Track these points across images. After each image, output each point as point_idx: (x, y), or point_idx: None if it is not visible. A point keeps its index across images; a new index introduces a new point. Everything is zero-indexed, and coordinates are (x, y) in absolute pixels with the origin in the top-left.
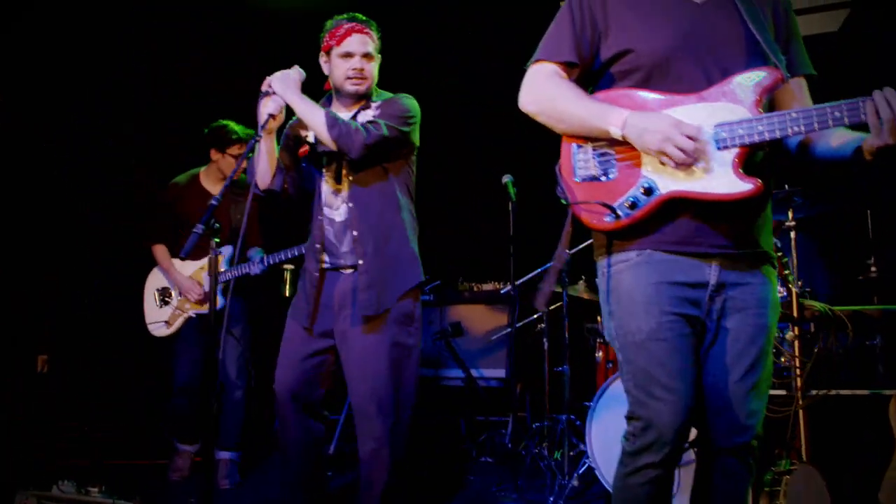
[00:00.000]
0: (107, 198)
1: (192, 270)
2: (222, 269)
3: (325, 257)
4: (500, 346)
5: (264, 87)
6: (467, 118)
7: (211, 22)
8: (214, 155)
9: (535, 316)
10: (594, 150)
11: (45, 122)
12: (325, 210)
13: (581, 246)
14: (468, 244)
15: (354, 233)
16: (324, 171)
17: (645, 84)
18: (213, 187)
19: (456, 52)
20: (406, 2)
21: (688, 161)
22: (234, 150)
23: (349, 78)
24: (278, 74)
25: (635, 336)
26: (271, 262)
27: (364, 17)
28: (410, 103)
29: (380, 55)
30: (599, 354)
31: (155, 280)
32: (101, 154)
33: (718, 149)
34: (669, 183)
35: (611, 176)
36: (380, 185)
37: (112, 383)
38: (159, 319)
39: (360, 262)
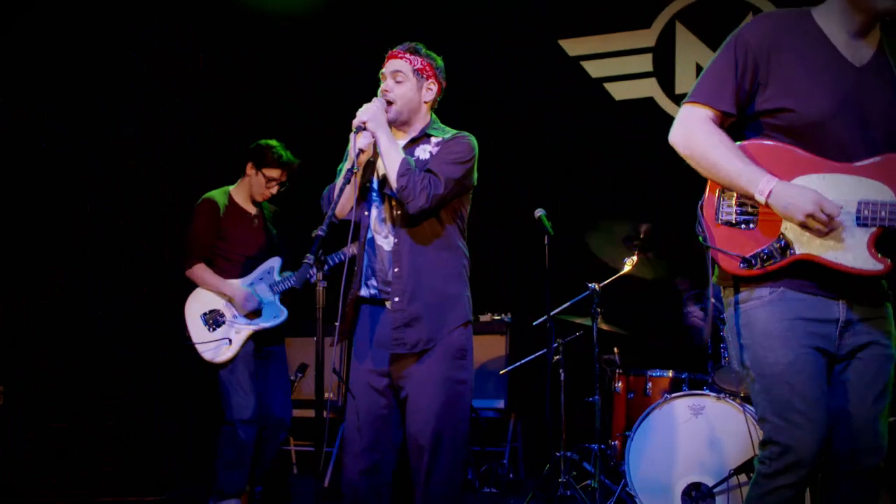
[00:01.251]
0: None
1: (242, 286)
2: (277, 279)
3: (373, 282)
4: (495, 377)
5: (357, 123)
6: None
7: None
8: (250, 170)
9: (545, 350)
10: (738, 200)
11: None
12: (376, 236)
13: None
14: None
15: (396, 269)
16: (375, 194)
17: (797, 142)
18: (246, 204)
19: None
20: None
21: (825, 233)
22: (271, 172)
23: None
24: (371, 109)
25: (773, 368)
26: (331, 263)
27: (412, 44)
28: (470, 143)
29: (427, 81)
30: (619, 385)
31: (199, 303)
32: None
33: (857, 224)
34: (805, 246)
35: (751, 226)
36: (429, 222)
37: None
38: (219, 344)
39: (397, 299)
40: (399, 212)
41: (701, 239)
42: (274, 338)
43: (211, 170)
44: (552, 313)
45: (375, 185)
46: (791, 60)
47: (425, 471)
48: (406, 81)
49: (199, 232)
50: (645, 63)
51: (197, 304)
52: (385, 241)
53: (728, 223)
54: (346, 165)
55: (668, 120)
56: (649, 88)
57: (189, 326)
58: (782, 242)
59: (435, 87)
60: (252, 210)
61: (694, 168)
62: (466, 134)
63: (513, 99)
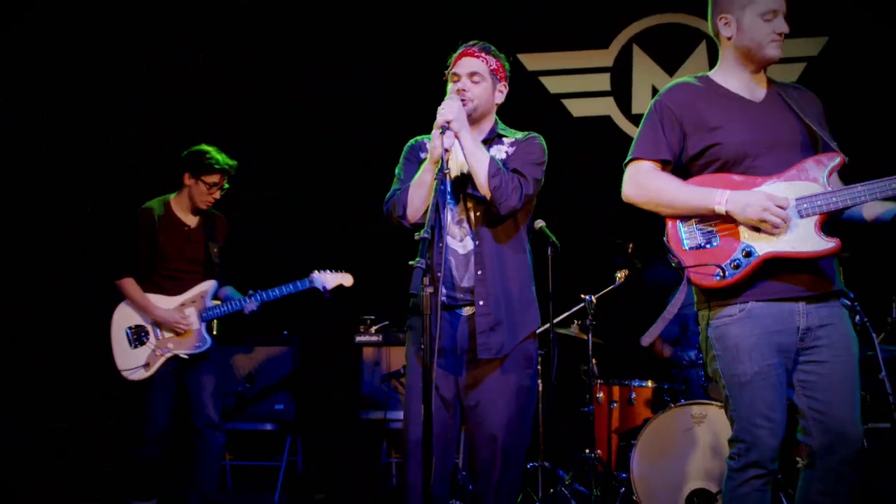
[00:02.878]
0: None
1: (171, 307)
2: (209, 305)
3: (443, 289)
4: None
5: (442, 122)
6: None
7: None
8: (188, 180)
9: None
10: (697, 224)
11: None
12: (448, 239)
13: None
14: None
15: (479, 272)
16: (449, 196)
17: (727, 170)
18: (184, 215)
19: None
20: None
21: (782, 226)
22: (211, 178)
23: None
24: (455, 108)
25: (741, 378)
26: (266, 298)
27: (484, 44)
28: (543, 145)
29: (500, 83)
30: (601, 395)
31: (124, 317)
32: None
33: (801, 217)
34: (765, 246)
35: (714, 244)
36: (507, 223)
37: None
38: (136, 364)
39: (482, 302)
40: (479, 213)
41: (675, 265)
42: (200, 356)
43: None
44: (555, 321)
45: (449, 188)
46: (704, 109)
47: (497, 477)
48: (483, 82)
49: (129, 244)
50: (603, 82)
51: (124, 317)
52: (460, 244)
53: (694, 247)
54: (428, 165)
55: (625, 138)
56: (607, 107)
57: (112, 336)
58: (745, 249)
59: (505, 90)
60: (191, 222)
61: (653, 211)
62: (538, 135)
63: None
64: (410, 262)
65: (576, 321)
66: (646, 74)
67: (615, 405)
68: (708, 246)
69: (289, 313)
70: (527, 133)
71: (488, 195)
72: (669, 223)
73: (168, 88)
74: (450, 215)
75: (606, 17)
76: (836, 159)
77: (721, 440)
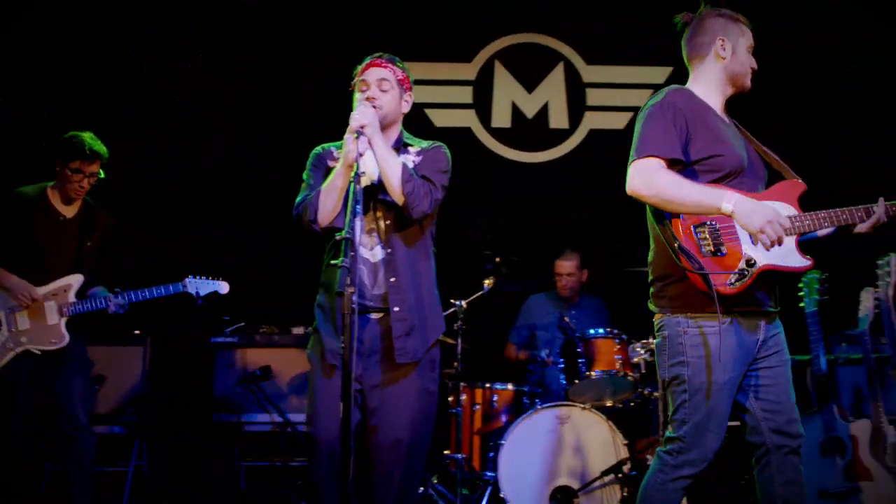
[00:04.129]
0: None
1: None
2: (71, 301)
3: (354, 297)
4: (305, 390)
5: (356, 127)
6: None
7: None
8: (57, 166)
9: None
10: (709, 232)
11: None
12: (359, 249)
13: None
14: (276, 286)
15: (392, 279)
16: (358, 206)
17: (723, 180)
18: (60, 205)
19: None
20: None
21: (776, 241)
22: (76, 164)
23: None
24: (368, 114)
25: (713, 386)
26: (133, 299)
27: (390, 55)
28: (448, 154)
29: (406, 93)
30: (464, 398)
31: None
32: None
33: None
34: (762, 258)
35: (723, 252)
36: (414, 229)
37: None
38: None
39: (397, 308)
40: (389, 221)
41: (695, 269)
42: (62, 355)
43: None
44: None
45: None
46: (704, 119)
47: (399, 480)
48: (391, 91)
49: None
50: (465, 94)
51: None
52: (370, 253)
53: (709, 253)
54: (341, 170)
55: (485, 150)
56: (468, 119)
57: None
58: (748, 259)
59: (410, 101)
60: (67, 212)
61: (657, 206)
62: (442, 144)
63: (340, 112)
64: (333, 262)
65: (464, 327)
66: (506, 90)
67: (477, 407)
68: (719, 254)
69: (141, 313)
70: (432, 142)
71: (401, 200)
72: (682, 228)
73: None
74: (358, 225)
75: (471, 31)
76: (802, 187)
77: (582, 439)
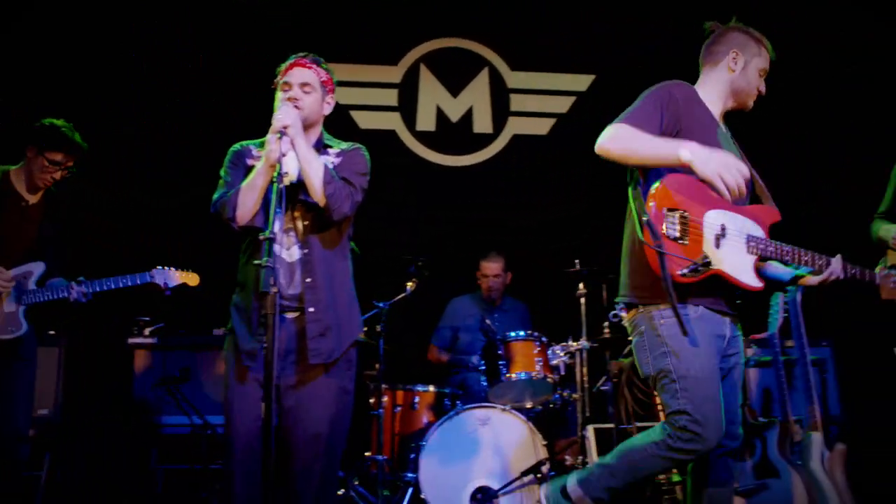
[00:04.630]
0: None
1: None
2: (31, 289)
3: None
4: None
5: (279, 127)
6: None
7: None
8: (31, 153)
9: None
10: (679, 217)
11: None
12: (276, 248)
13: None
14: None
15: (308, 279)
16: (279, 207)
17: (703, 184)
18: (22, 189)
19: None
20: None
21: (737, 191)
22: (54, 155)
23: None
24: (292, 115)
25: (699, 373)
26: (97, 289)
27: (315, 56)
28: (368, 156)
29: (328, 95)
30: (385, 399)
31: None
32: None
33: (747, 252)
34: (718, 262)
35: (685, 241)
36: (332, 231)
37: None
38: None
39: (312, 309)
40: (307, 222)
41: (653, 246)
42: (14, 349)
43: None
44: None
45: (280, 196)
46: (700, 118)
47: (319, 476)
48: (314, 93)
49: None
50: (390, 97)
51: None
52: (287, 252)
53: (672, 237)
54: (263, 169)
55: (409, 153)
56: (393, 122)
57: None
58: (705, 257)
59: (333, 103)
60: (30, 198)
61: (621, 159)
62: (362, 146)
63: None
64: (256, 262)
65: (364, 327)
66: (431, 94)
67: (399, 409)
68: (681, 241)
69: (55, 312)
70: (351, 144)
71: (322, 201)
72: (655, 207)
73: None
74: (277, 225)
75: (397, 35)
76: (777, 217)
77: (503, 440)
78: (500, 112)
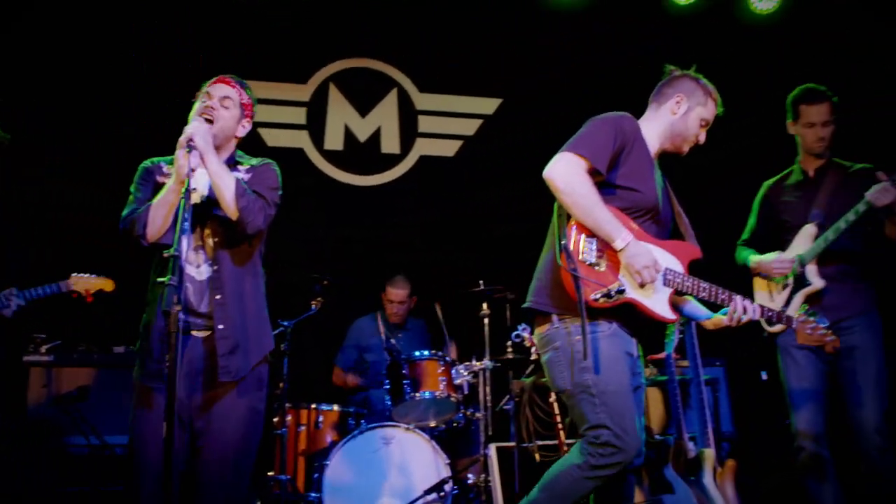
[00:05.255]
0: None
1: None
2: None
3: (180, 315)
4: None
5: (185, 140)
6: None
7: None
8: None
9: None
10: (597, 245)
11: None
12: (185, 266)
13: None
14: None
15: (218, 296)
16: (186, 224)
17: (630, 213)
18: None
19: None
20: None
21: (647, 285)
22: None
23: (201, 114)
24: (201, 129)
25: (617, 388)
26: (30, 297)
27: (239, 78)
28: (278, 171)
29: (245, 118)
30: (289, 419)
31: None
32: None
33: (664, 284)
34: (632, 292)
35: (601, 268)
36: (243, 248)
37: None
38: None
39: (221, 326)
40: (217, 239)
41: (569, 269)
42: None
43: None
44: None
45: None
46: (638, 154)
47: (227, 497)
48: (232, 109)
49: None
50: (299, 115)
51: None
52: (197, 270)
53: (587, 262)
54: (173, 185)
55: (316, 171)
56: (301, 140)
57: None
58: (621, 287)
59: (248, 127)
60: None
61: (561, 201)
62: (272, 161)
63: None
64: (160, 280)
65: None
66: (340, 113)
67: (302, 428)
68: (596, 267)
69: None
70: (262, 159)
71: (235, 216)
72: (574, 232)
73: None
74: (185, 242)
75: (307, 53)
76: (698, 254)
77: (406, 459)
78: (408, 133)
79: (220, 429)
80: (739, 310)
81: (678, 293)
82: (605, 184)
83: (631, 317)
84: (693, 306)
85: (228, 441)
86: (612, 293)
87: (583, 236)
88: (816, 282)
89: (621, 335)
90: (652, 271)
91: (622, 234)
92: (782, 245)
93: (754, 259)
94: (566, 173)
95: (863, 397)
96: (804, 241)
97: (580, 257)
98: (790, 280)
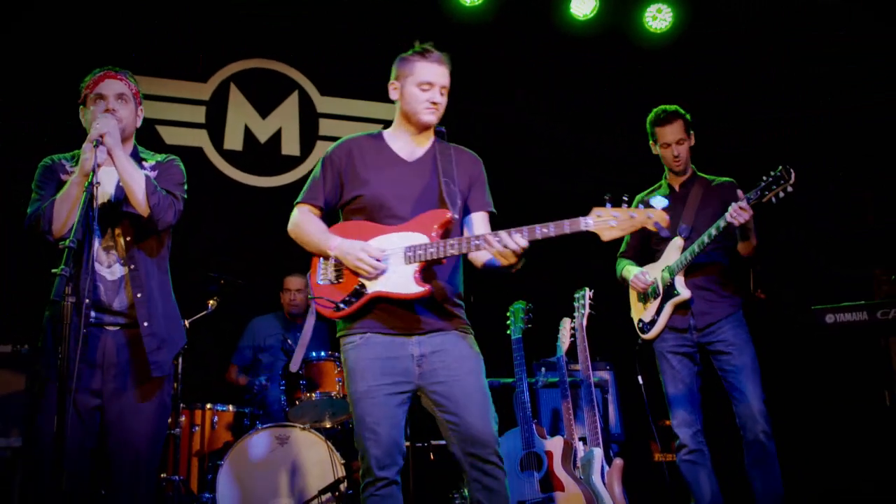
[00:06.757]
0: None
1: None
2: None
3: (92, 313)
4: (14, 410)
5: (96, 136)
6: None
7: None
8: None
9: None
10: (333, 262)
11: None
12: (95, 265)
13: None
14: None
15: (139, 294)
16: (96, 224)
17: (370, 217)
18: None
19: None
20: None
21: (374, 274)
22: None
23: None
24: (111, 124)
25: (356, 395)
26: None
27: (124, 70)
28: (183, 167)
29: (139, 107)
30: (183, 419)
31: None
32: None
33: (406, 263)
34: (373, 286)
35: (341, 280)
36: (154, 246)
37: None
38: None
39: (146, 323)
40: (129, 238)
41: (310, 297)
42: None
43: None
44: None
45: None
46: (361, 165)
47: (141, 490)
48: (129, 104)
49: None
50: (198, 114)
51: None
52: (108, 270)
53: (326, 281)
54: (77, 179)
55: (215, 171)
56: (199, 139)
57: None
58: (359, 287)
59: (142, 114)
60: None
61: (300, 245)
62: (177, 158)
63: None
64: (54, 270)
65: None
66: (240, 113)
67: (197, 429)
68: (336, 281)
69: None
70: (167, 156)
71: (146, 212)
72: (314, 259)
73: (59, 80)
74: (96, 243)
75: (208, 52)
76: (446, 215)
77: (301, 459)
78: (309, 135)
79: (133, 423)
80: (496, 245)
81: (429, 263)
82: (346, 204)
83: (404, 316)
84: (490, 259)
85: (143, 434)
86: (352, 299)
87: (321, 260)
88: (684, 292)
89: (374, 343)
90: (367, 261)
91: (329, 243)
92: (654, 256)
93: (626, 272)
94: (292, 222)
95: (744, 387)
96: (672, 253)
97: (322, 280)
98: (660, 290)
